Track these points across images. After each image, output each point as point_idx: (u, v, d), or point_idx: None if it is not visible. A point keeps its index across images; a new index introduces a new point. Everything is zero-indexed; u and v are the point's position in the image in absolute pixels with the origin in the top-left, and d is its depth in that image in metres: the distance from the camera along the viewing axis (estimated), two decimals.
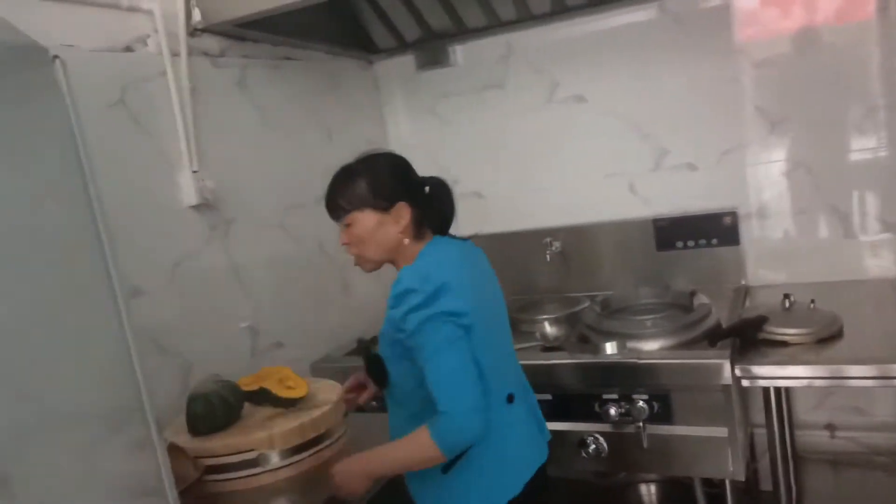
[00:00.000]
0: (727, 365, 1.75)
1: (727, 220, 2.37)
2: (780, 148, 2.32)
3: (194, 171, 1.90)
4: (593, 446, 1.93)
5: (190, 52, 1.92)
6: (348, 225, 1.40)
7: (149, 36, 1.84)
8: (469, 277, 1.37)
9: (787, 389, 2.25)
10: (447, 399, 1.24)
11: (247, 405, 1.72)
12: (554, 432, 1.58)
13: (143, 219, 1.77)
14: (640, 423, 1.85)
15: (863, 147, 2.22)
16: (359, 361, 2.12)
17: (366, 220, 1.38)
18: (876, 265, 2.26)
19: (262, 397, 1.72)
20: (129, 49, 1.79)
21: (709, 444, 1.82)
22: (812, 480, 2.28)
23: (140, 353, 1.05)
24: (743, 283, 2.40)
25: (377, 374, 1.42)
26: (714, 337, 1.86)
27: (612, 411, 1.87)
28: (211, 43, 2.04)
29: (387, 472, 1.40)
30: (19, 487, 0.70)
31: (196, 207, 1.92)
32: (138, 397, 1.05)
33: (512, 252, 2.67)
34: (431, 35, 2.61)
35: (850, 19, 2.17)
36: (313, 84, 2.50)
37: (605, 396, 1.90)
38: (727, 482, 2.00)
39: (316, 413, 1.64)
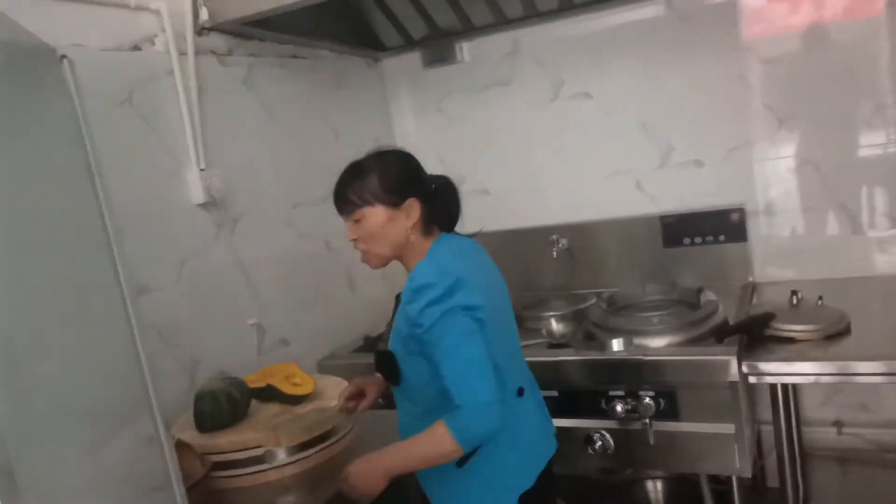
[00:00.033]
0: (734, 361, 1.74)
1: (734, 216, 2.36)
2: (788, 144, 2.30)
3: (202, 169, 1.91)
4: (600, 443, 1.94)
5: (197, 51, 1.93)
6: (357, 220, 1.39)
7: (156, 35, 1.85)
8: (479, 273, 1.38)
9: (795, 386, 2.24)
10: (465, 392, 1.24)
11: (254, 402, 1.73)
12: (560, 429, 1.58)
13: (151, 217, 1.78)
14: (647, 420, 1.85)
15: (871, 143, 2.20)
16: (366, 358, 2.14)
17: (376, 215, 1.37)
18: (884, 262, 2.24)
19: (269, 394, 1.73)
20: (136, 48, 1.80)
21: (715, 440, 1.82)
22: (819, 477, 2.28)
23: (147, 349, 1.06)
24: (750, 279, 2.39)
25: (389, 370, 1.41)
26: (721, 333, 1.86)
27: (619, 408, 1.88)
28: (218, 42, 2.05)
29: (404, 469, 1.38)
30: (27, 482, 0.70)
31: (203, 205, 1.93)
32: (145, 394, 1.06)
33: (518, 249, 2.67)
34: (438, 33, 2.60)
35: (859, 15, 2.15)
36: (320, 82, 2.50)
37: (612, 393, 1.90)
38: (734, 479, 1.99)
39: (323, 410, 1.65)
